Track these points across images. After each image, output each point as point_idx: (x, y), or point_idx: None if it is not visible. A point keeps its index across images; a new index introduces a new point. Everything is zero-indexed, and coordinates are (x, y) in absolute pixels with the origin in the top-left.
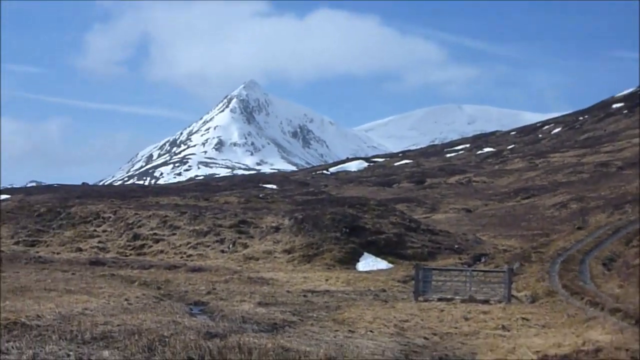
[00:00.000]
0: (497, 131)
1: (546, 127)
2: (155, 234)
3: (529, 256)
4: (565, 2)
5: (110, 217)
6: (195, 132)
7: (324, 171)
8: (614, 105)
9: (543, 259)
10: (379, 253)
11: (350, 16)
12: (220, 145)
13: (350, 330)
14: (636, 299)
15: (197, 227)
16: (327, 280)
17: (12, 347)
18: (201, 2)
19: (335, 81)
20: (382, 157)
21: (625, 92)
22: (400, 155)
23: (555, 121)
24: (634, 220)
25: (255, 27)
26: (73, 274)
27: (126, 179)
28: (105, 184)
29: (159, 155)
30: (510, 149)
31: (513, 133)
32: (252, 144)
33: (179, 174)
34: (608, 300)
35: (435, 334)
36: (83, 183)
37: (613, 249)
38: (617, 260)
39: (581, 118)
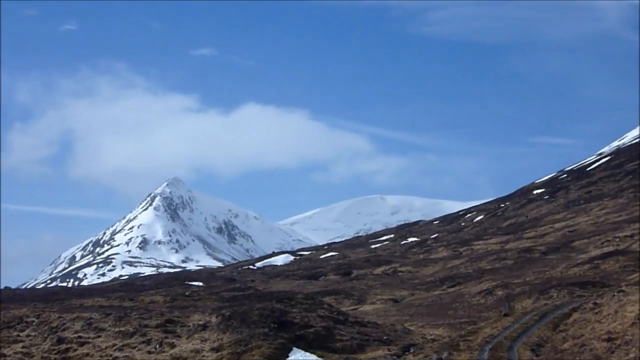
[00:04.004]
0: (420, 221)
1: (468, 215)
2: (80, 336)
3: (457, 345)
4: (483, 89)
5: (33, 321)
6: (119, 231)
7: (251, 266)
8: (535, 191)
9: (471, 347)
10: (308, 347)
11: (278, 111)
12: (144, 243)
13: None
14: None
15: (122, 328)
16: None
17: None
18: (127, 98)
19: (261, 175)
20: (307, 250)
21: (546, 177)
22: (325, 247)
23: (477, 209)
24: (560, 304)
25: (182, 122)
26: None
27: (49, 281)
28: (28, 287)
29: (82, 256)
30: (434, 237)
31: (436, 222)
32: (177, 241)
33: (103, 275)
34: None
35: None
36: (5, 287)
37: (540, 334)
38: (545, 345)
39: (503, 205)
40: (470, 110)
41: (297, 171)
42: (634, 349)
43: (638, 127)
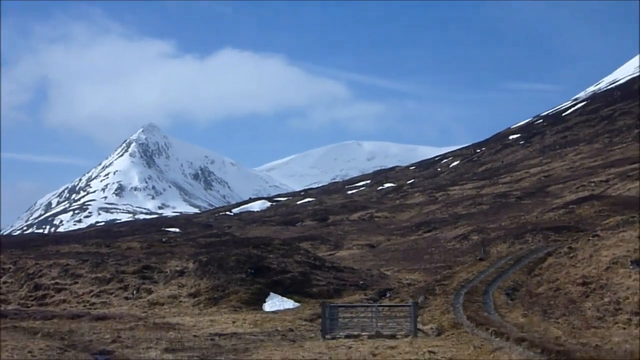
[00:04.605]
0: (396, 166)
1: (444, 160)
2: (56, 283)
3: (433, 289)
4: (461, 34)
5: (10, 267)
6: (95, 177)
7: (227, 212)
8: (511, 137)
9: (447, 291)
10: (285, 292)
11: (255, 56)
12: (120, 190)
13: None
14: (541, 328)
15: (99, 275)
16: (234, 322)
17: None
18: (102, 44)
19: (238, 121)
20: (284, 196)
21: (521, 123)
22: (302, 193)
23: (453, 154)
24: (535, 249)
25: (159, 68)
26: None
27: (25, 228)
28: (4, 234)
29: (58, 203)
30: (410, 183)
31: (412, 168)
32: (153, 187)
33: (79, 221)
34: (513, 330)
35: None
36: None
37: (515, 279)
38: (520, 289)
39: (479, 150)
40: (448, 56)
41: (274, 117)
42: (608, 293)
43: (613, 73)
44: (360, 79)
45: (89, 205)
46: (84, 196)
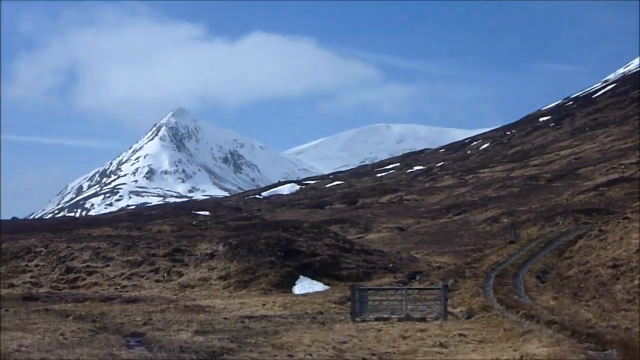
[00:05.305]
0: (426, 149)
1: (474, 143)
2: (88, 266)
3: (463, 272)
4: (492, 15)
5: (42, 251)
6: (125, 161)
7: (257, 196)
8: (541, 119)
9: (477, 274)
10: (314, 275)
11: (284, 39)
12: (150, 173)
13: (289, 355)
14: (571, 311)
15: (130, 258)
16: (264, 305)
17: None
18: (132, 26)
19: (267, 104)
20: (313, 180)
21: (551, 105)
22: (331, 176)
23: (483, 137)
24: (565, 232)
25: (188, 51)
26: (6, 310)
27: (57, 211)
28: (36, 217)
29: (89, 187)
30: (440, 166)
31: (442, 150)
32: (183, 171)
33: (110, 205)
34: (543, 312)
35: (373, 354)
36: (13, 218)
37: (546, 262)
38: (550, 272)
39: (509, 133)
40: (478, 37)
41: (303, 100)
42: (638, 275)
43: None
44: (390, 61)
45: (120, 188)
46: (114, 180)
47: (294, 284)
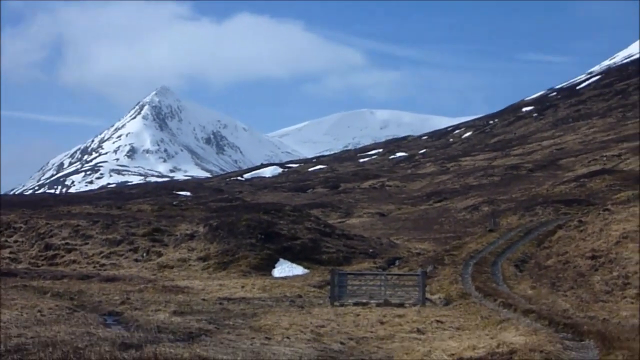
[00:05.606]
0: (409, 136)
1: (457, 131)
2: (67, 243)
3: (442, 259)
4: (480, 3)
5: (21, 227)
6: (107, 139)
7: (239, 177)
8: (524, 109)
9: (456, 262)
10: (294, 259)
11: (272, 21)
12: (132, 152)
13: (267, 337)
14: (549, 300)
15: (110, 236)
16: (243, 287)
17: None
18: (119, 2)
19: (252, 85)
20: (296, 163)
21: (535, 95)
22: (314, 160)
23: (466, 125)
24: (545, 221)
25: (174, 29)
26: None
27: (37, 188)
28: (16, 193)
29: (70, 164)
30: (422, 153)
31: (425, 137)
32: (165, 150)
33: (91, 182)
34: (521, 301)
35: (351, 339)
36: None
37: (525, 251)
38: (529, 261)
39: (491, 122)
40: (465, 25)
41: (288, 83)
42: (617, 267)
43: (628, 48)
44: (377, 47)
45: (101, 166)
46: (95, 157)
47: (274, 267)
